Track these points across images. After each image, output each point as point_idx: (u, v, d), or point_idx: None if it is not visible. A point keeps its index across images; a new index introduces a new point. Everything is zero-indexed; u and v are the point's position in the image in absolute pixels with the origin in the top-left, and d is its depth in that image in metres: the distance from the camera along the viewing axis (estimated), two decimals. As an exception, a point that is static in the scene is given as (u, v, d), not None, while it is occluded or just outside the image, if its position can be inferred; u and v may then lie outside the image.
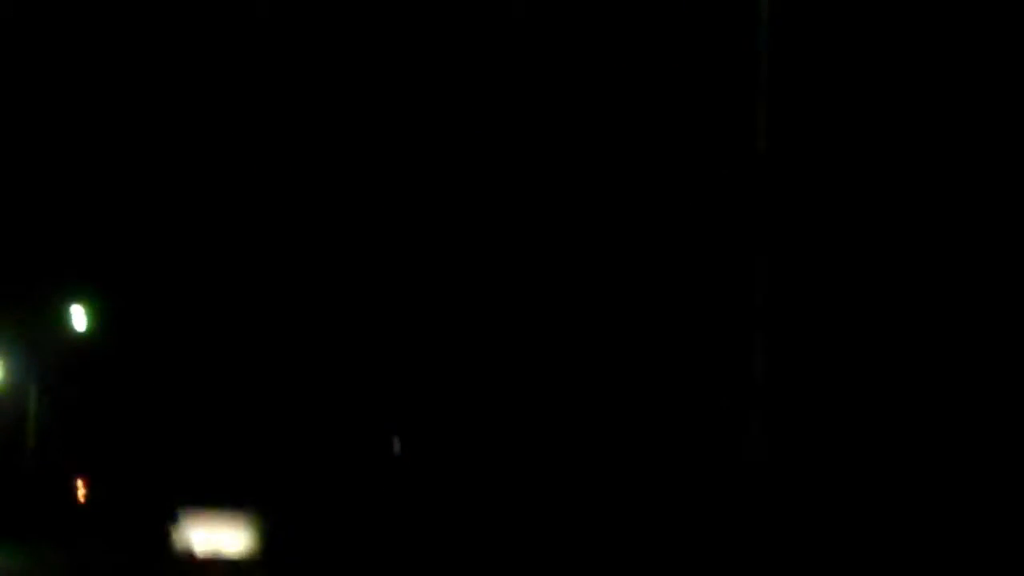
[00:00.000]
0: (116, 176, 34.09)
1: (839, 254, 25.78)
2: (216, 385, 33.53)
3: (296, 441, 32.57)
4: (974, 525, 23.60)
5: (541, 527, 29.27)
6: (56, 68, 33.19)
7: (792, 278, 24.40)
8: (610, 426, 28.89)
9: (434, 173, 30.28)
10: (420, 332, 31.46)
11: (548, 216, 28.62)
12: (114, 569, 29.17)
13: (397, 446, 31.52)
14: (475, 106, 29.68)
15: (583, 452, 29.00)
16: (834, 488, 24.65)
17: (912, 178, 25.33)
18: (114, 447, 34.27)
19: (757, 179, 22.33)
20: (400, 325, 31.66)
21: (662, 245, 27.55)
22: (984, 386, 24.45)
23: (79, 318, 35.22)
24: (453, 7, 29.87)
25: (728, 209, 25.60)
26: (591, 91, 28.39)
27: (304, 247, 32.31)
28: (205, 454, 33.17)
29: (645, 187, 27.86)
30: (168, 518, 32.14)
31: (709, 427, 26.17)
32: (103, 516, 34.46)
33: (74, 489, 34.70)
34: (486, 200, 29.52)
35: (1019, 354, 24.24)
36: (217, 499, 32.12)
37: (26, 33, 32.86)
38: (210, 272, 33.30)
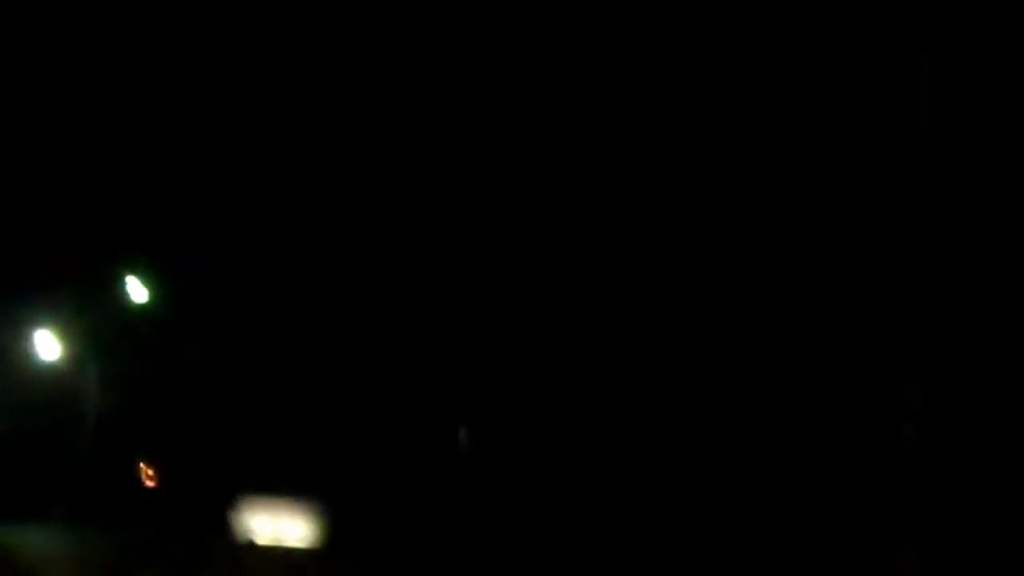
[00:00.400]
0: (173, 144, 33.08)
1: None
2: (281, 368, 32.44)
3: (362, 427, 31.54)
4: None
5: (615, 519, 28.51)
6: (107, 45, 32.35)
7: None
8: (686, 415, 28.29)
9: (496, 166, 29.38)
10: (492, 317, 30.51)
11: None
12: (171, 556, 28.69)
13: (464, 435, 30.46)
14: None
15: (663, 446, 28.37)
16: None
17: None
18: (173, 429, 33.28)
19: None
20: (472, 308, 30.68)
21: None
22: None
23: (137, 289, 34.09)
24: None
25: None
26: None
27: (374, 225, 31.24)
28: (268, 438, 32.20)
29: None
30: (228, 504, 31.41)
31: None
32: (161, 500, 33.55)
33: (133, 472, 33.76)
34: (562, 194, 28.68)
35: None
36: (280, 486, 31.39)
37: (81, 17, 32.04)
38: (277, 251, 32.23)
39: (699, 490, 27.99)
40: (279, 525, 31.15)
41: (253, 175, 32.12)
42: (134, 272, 34.23)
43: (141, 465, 33.49)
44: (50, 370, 34.14)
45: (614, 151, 28.66)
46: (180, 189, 32.95)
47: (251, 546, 31.13)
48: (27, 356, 34.51)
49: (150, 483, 33.50)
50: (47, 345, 34.29)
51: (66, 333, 34.40)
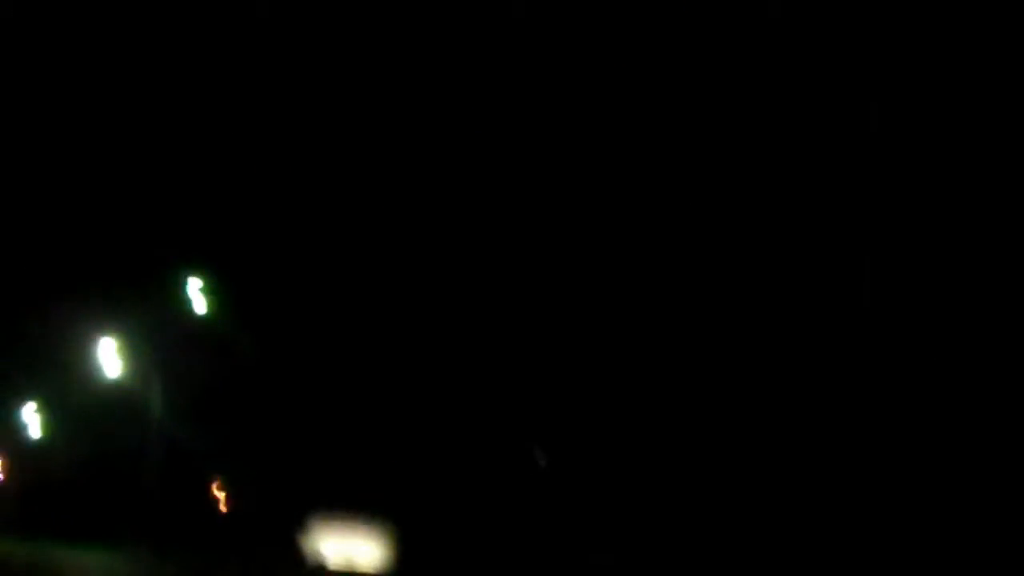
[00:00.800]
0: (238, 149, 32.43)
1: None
2: (351, 384, 31.50)
3: (437, 446, 30.63)
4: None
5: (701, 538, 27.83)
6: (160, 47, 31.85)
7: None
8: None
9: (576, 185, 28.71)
10: (568, 332, 29.65)
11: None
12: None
13: (541, 455, 29.52)
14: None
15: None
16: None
17: None
18: (243, 451, 32.51)
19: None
20: (547, 325, 29.81)
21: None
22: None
23: (199, 299, 33.07)
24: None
25: None
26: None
27: (444, 240, 30.35)
28: (338, 457, 31.36)
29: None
30: (297, 526, 30.72)
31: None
32: (231, 523, 32.87)
33: (200, 491, 33.04)
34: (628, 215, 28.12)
35: None
36: (351, 506, 30.72)
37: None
38: (345, 264, 31.34)
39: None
40: (350, 549, 30.35)
41: (322, 189, 31.39)
42: (197, 279, 33.39)
43: (212, 488, 32.83)
44: (117, 390, 33.50)
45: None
46: (249, 200, 32.35)
47: (321, 571, 30.41)
48: (93, 376, 33.95)
49: (221, 507, 32.87)
50: (111, 361, 33.60)
51: (131, 349, 33.69)
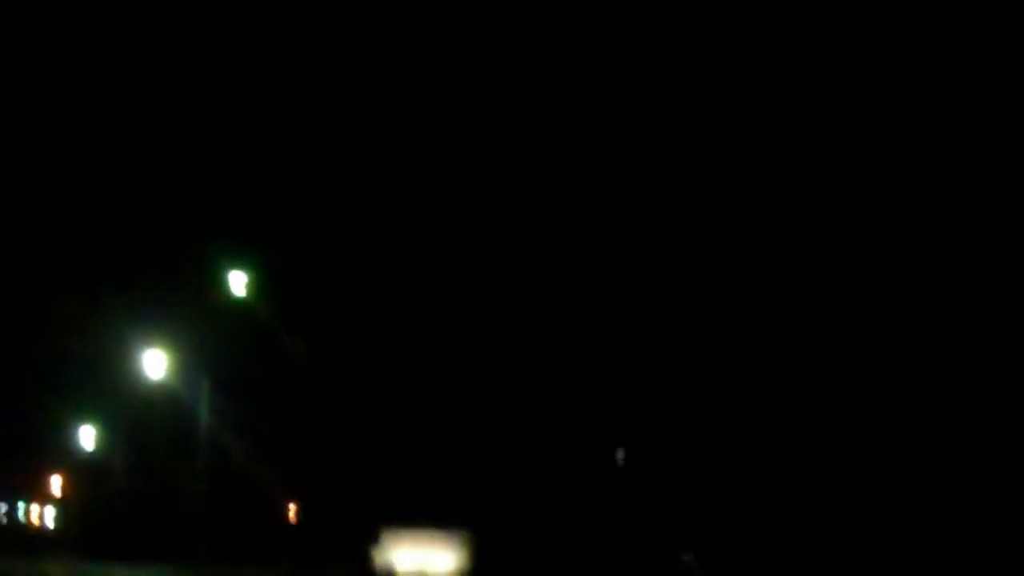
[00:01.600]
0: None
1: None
2: (420, 395, 30.57)
3: (507, 455, 29.69)
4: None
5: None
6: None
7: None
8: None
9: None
10: (642, 342, 28.72)
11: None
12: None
13: (621, 456, 28.52)
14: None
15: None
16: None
17: None
18: (312, 462, 31.66)
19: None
20: (619, 336, 28.89)
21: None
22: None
23: (240, 288, 31.89)
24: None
25: None
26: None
27: (518, 253, 29.43)
28: (409, 466, 30.46)
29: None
30: (368, 536, 29.76)
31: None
32: (301, 535, 32.03)
33: (274, 508, 32.23)
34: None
35: None
36: (422, 516, 29.76)
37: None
38: (417, 277, 30.42)
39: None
40: (422, 557, 29.38)
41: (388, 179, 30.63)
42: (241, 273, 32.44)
43: (281, 501, 32.07)
44: (177, 406, 32.77)
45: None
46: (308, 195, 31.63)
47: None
48: (150, 395, 33.28)
49: (291, 519, 32.14)
50: (159, 366, 32.74)
51: (176, 348, 32.88)
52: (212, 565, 30.85)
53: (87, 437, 39.21)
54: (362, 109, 31.32)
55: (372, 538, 29.94)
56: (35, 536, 45.36)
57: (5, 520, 49.22)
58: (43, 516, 46.63)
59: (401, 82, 30.72)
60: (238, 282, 31.33)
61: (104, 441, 38.74)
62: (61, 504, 44.23)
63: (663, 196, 28.19)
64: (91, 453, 39.20)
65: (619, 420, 29.03)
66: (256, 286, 31.43)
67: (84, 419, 38.89)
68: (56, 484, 43.91)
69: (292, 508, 32.59)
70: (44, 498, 45.26)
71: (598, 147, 28.79)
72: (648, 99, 27.79)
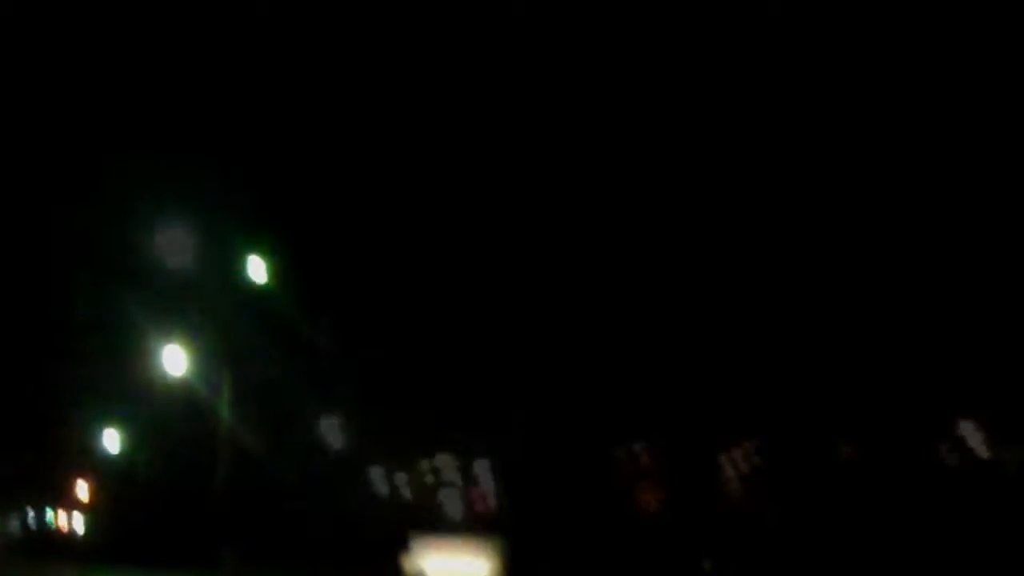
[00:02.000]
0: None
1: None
2: (455, 395, 29.66)
3: (535, 459, 28.71)
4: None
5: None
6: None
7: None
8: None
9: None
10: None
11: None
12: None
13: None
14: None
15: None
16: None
17: None
18: (337, 464, 30.80)
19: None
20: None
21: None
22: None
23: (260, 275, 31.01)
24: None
25: None
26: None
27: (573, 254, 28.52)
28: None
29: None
30: (399, 544, 28.84)
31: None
32: (329, 542, 31.17)
33: (306, 517, 31.38)
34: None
35: None
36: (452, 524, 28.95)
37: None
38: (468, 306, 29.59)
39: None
40: (454, 564, 28.43)
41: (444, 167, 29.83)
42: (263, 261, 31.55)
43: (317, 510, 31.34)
44: (204, 413, 32.04)
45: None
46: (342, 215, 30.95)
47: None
48: (171, 393, 32.61)
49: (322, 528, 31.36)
50: (179, 362, 31.90)
51: (195, 341, 32.06)
52: (237, 570, 30.25)
53: (111, 440, 38.70)
54: (364, 109, 31.05)
55: (402, 544, 29.19)
56: (65, 542, 44.94)
57: (35, 526, 48.89)
58: (72, 522, 46.11)
59: (421, 68, 30.13)
60: (258, 269, 30.50)
61: (128, 444, 38.18)
62: (89, 510, 43.63)
63: (663, 195, 27.38)
64: (116, 456, 38.68)
65: (637, 425, 28.04)
66: (277, 273, 30.68)
67: (108, 422, 38.40)
68: (83, 489, 43.41)
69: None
70: (72, 504, 44.75)
71: (598, 147, 28.09)
72: (648, 99, 27.45)
